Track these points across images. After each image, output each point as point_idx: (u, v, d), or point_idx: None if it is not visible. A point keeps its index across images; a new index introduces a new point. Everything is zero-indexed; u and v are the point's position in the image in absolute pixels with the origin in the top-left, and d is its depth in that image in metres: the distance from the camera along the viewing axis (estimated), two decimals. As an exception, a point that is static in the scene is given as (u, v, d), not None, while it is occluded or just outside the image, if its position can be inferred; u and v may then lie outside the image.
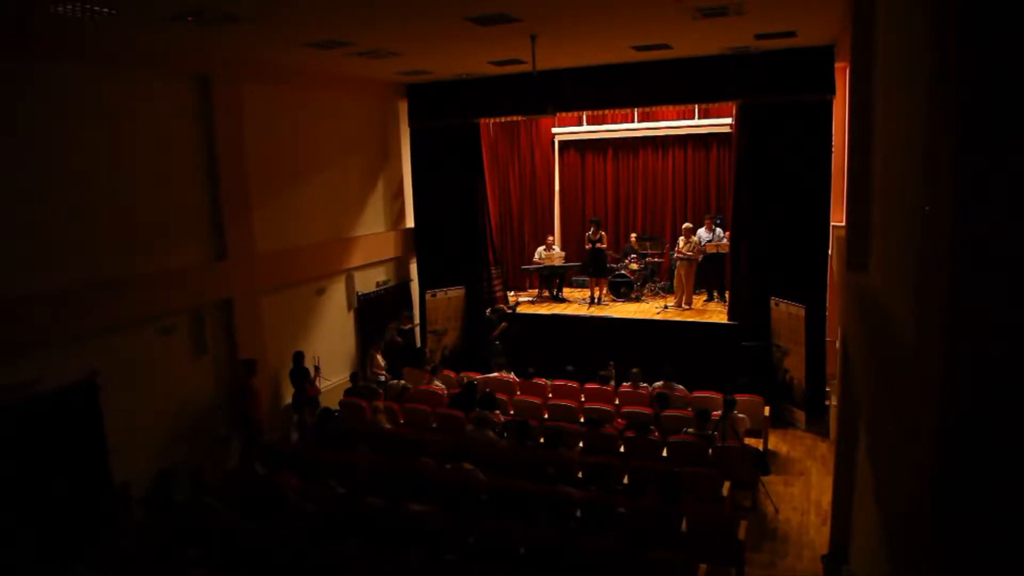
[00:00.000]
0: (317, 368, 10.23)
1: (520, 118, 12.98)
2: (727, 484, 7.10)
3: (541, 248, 13.59)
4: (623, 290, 13.06)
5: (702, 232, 12.42)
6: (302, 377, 9.71)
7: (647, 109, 12.87)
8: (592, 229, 12.81)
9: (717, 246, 12.20)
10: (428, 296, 12.44)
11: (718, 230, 12.30)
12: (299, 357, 9.72)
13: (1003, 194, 1.48)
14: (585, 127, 14.26)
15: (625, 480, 7.17)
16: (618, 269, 13.20)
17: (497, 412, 8.72)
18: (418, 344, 12.31)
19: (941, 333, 1.61)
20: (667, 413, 8.57)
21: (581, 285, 14.08)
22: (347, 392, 9.95)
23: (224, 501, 6.80)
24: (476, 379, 9.98)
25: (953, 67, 1.56)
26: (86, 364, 7.16)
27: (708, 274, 12.70)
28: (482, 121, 12.51)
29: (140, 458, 7.54)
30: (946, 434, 1.52)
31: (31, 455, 6.63)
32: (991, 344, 1.48)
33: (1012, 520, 1.39)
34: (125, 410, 7.51)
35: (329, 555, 5.68)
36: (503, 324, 11.82)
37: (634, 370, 9.68)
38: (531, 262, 13.80)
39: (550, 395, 9.73)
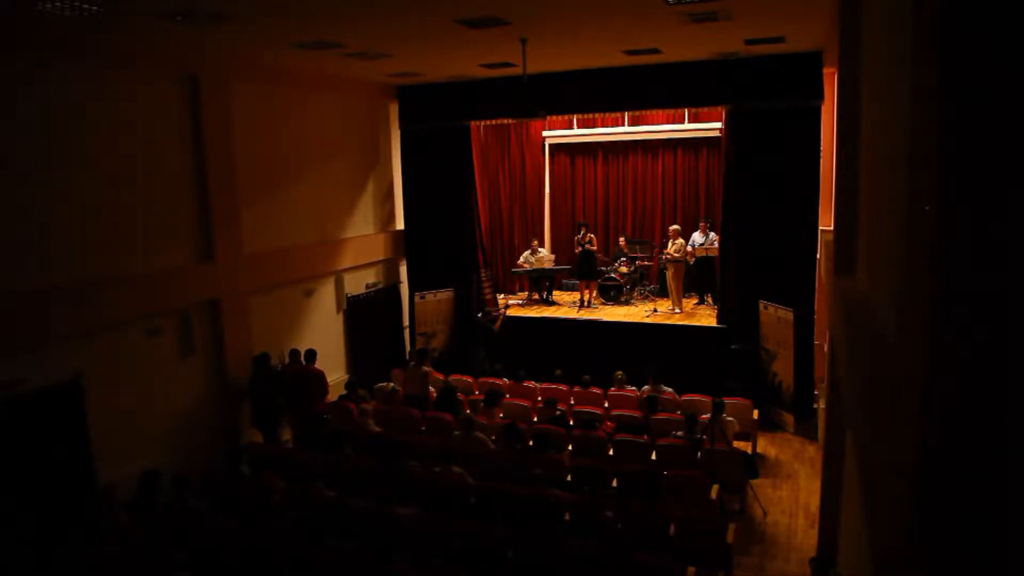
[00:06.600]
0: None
1: (511, 121, 12.97)
2: (715, 487, 7.11)
3: (527, 252, 13.60)
4: (612, 293, 13.08)
5: (696, 236, 12.45)
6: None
7: (637, 113, 12.91)
8: (582, 232, 12.83)
9: (707, 250, 12.24)
10: (417, 298, 12.42)
11: (711, 234, 12.34)
12: (294, 355, 9.67)
13: (987, 198, 1.48)
14: (575, 130, 14.29)
15: (614, 483, 7.17)
16: (607, 272, 13.22)
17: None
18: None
19: (924, 336, 1.61)
20: (656, 416, 8.58)
21: (571, 288, 14.09)
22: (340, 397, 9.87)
23: (209, 503, 6.74)
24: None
25: (935, 70, 1.56)
26: (71, 364, 7.09)
27: (699, 278, 12.74)
28: (473, 124, 12.50)
29: (125, 460, 7.47)
30: (928, 437, 1.52)
31: (13, 456, 6.55)
32: (974, 348, 1.49)
33: (994, 523, 1.39)
34: (110, 411, 7.44)
35: (314, 558, 5.64)
36: (500, 317, 11.95)
37: (618, 374, 9.69)
38: (518, 265, 13.81)
39: (539, 398, 9.72)
